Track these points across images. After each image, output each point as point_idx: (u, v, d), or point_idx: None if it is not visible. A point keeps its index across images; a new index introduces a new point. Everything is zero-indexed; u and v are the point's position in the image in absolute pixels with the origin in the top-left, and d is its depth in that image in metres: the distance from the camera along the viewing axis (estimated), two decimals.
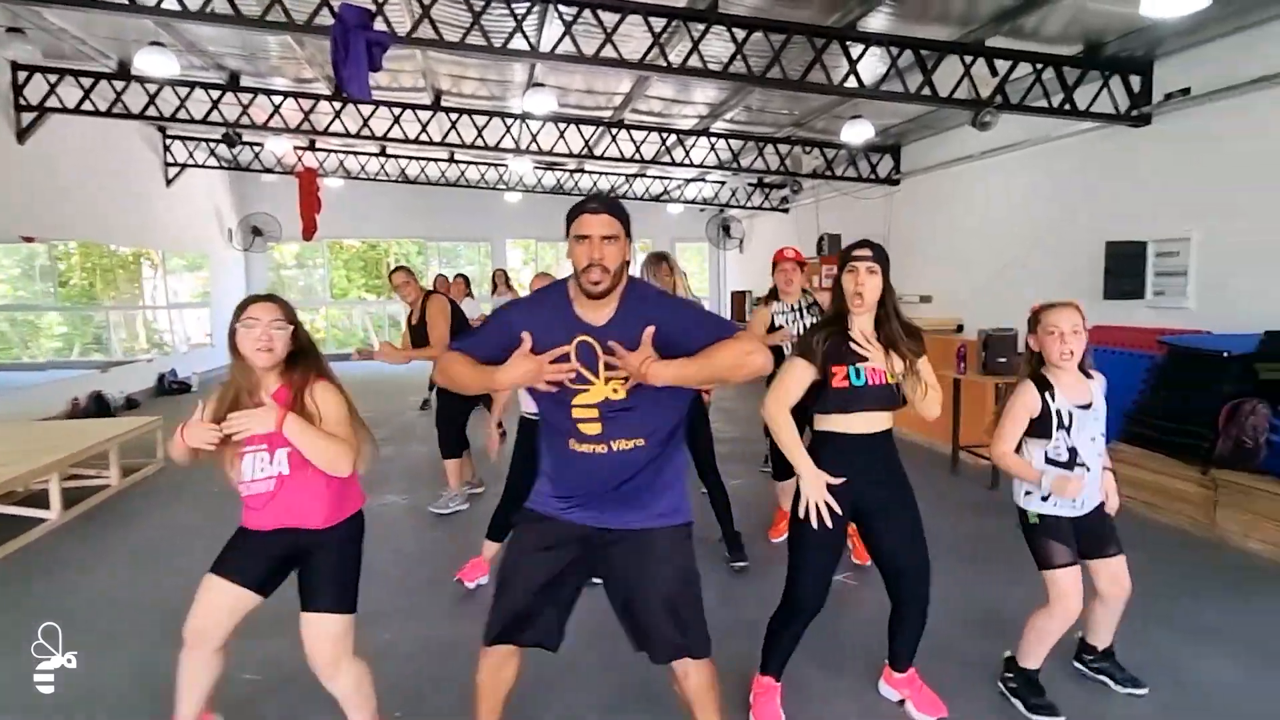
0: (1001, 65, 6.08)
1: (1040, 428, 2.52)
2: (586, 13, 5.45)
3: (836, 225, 11.18)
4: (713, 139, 10.06)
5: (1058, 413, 2.50)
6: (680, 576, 2.02)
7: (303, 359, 2.17)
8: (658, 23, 5.56)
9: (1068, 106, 6.25)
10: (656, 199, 14.21)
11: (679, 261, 13.72)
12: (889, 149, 9.90)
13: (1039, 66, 6.14)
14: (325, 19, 5.04)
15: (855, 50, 5.90)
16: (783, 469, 4.19)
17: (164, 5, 4.91)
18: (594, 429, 1.97)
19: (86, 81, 8.01)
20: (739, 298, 15.10)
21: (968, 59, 5.99)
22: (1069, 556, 2.53)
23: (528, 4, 5.41)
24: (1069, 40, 6.04)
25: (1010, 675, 2.74)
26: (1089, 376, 2.58)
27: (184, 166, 11.33)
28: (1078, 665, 2.96)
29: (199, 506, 5.02)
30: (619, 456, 1.98)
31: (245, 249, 13.60)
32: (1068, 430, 2.51)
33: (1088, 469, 2.52)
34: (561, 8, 5.40)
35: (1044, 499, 2.56)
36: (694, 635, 2.00)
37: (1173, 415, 4.88)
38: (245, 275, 14.34)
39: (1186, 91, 5.85)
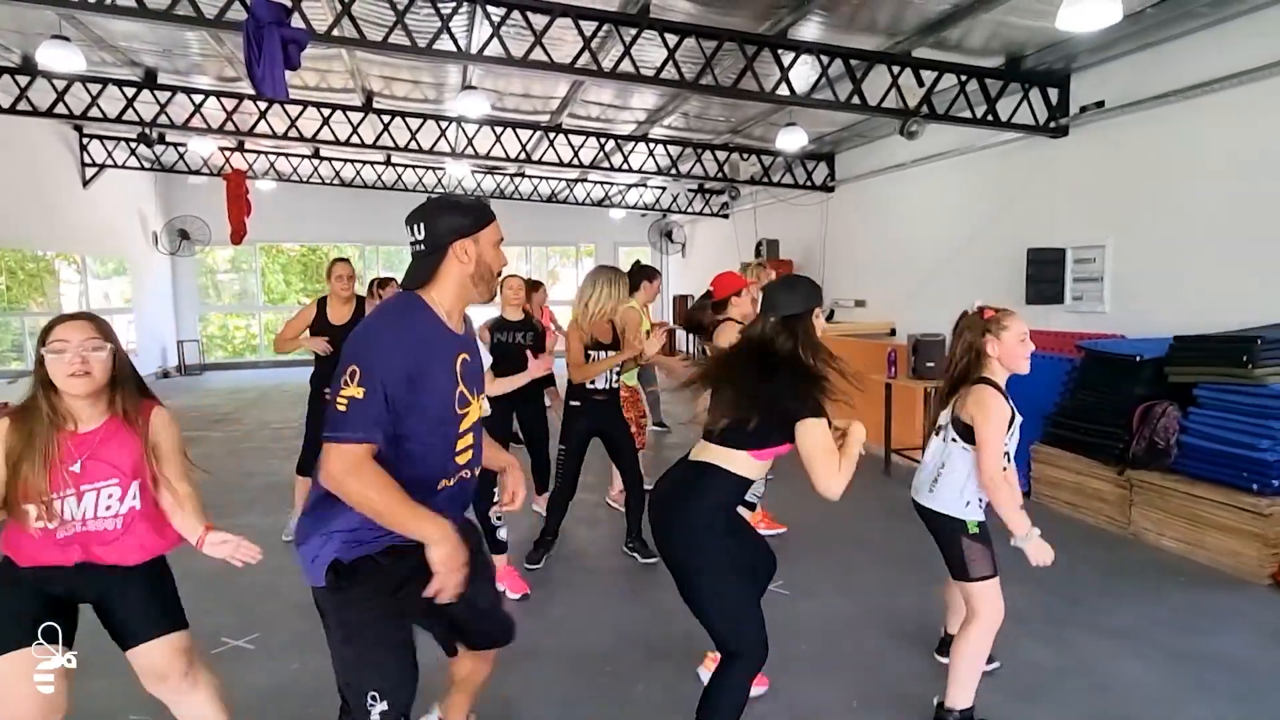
0: (928, 76, 6.15)
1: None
2: (515, 14, 5.26)
3: (775, 231, 11.22)
4: (651, 145, 9.96)
5: (1012, 418, 2.44)
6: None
7: (124, 384, 1.93)
8: (588, 26, 5.42)
9: (990, 117, 6.34)
10: (599, 204, 14.08)
11: (620, 264, 13.68)
12: (824, 156, 9.97)
13: (963, 78, 6.22)
14: (238, 14, 4.75)
15: (786, 58, 5.87)
16: None
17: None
18: (466, 456, 1.80)
19: None
20: (681, 301, 15.06)
21: (895, 69, 6.02)
22: (995, 567, 2.47)
23: (454, 4, 5.21)
24: (991, 53, 6.14)
25: None
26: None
27: (102, 167, 10.68)
28: (941, 658, 2.93)
29: None
30: (469, 485, 1.86)
31: (172, 253, 12.95)
32: (1012, 435, 2.46)
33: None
34: (490, 8, 5.21)
35: (979, 506, 2.50)
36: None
37: (1090, 417, 4.97)
38: (172, 280, 13.67)
39: (1101, 104, 6.00)
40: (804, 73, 6.29)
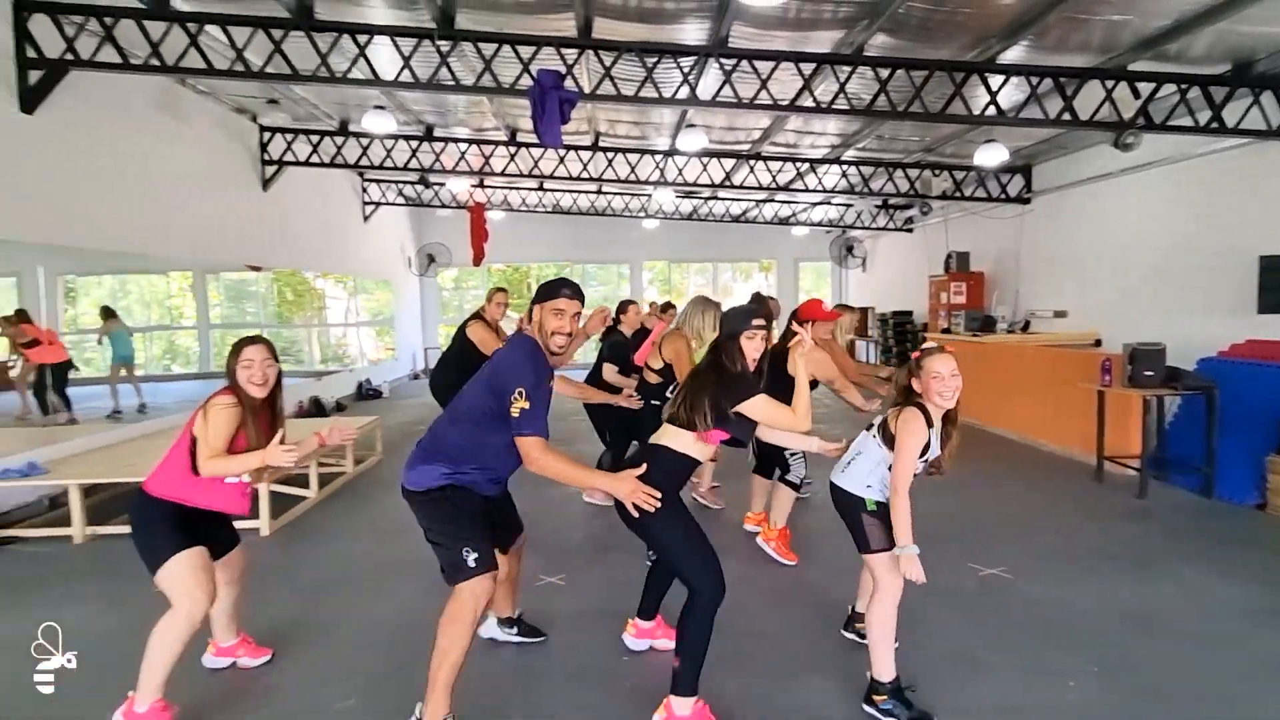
0: (1145, 87, 5.98)
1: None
2: (744, 62, 5.86)
3: (965, 244, 11.01)
4: (844, 166, 10.21)
5: (928, 444, 2.62)
6: None
7: (277, 391, 2.78)
8: (807, 67, 5.89)
9: (1215, 125, 6.04)
10: (783, 222, 14.43)
11: (800, 279, 13.97)
12: (1020, 169, 9.71)
13: (1184, 87, 5.98)
14: (519, 81, 5.72)
15: (995, 81, 5.99)
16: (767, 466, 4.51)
17: (402, 79, 5.74)
18: None
19: (314, 139, 9.24)
20: (861, 314, 15.02)
21: (1109, 83, 5.94)
22: (890, 540, 2.65)
23: (692, 59, 5.89)
24: (1215, 60, 5.88)
25: (879, 697, 2.65)
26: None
27: (378, 205, 12.68)
28: (847, 633, 3.19)
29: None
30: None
31: (421, 274, 14.95)
32: (925, 459, 2.64)
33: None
34: (722, 60, 5.84)
35: (878, 491, 2.71)
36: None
37: None
38: (420, 297, 15.70)
39: None
40: (1009, 92, 6.36)
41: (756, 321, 2.61)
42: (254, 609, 3.36)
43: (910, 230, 13.42)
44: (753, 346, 2.61)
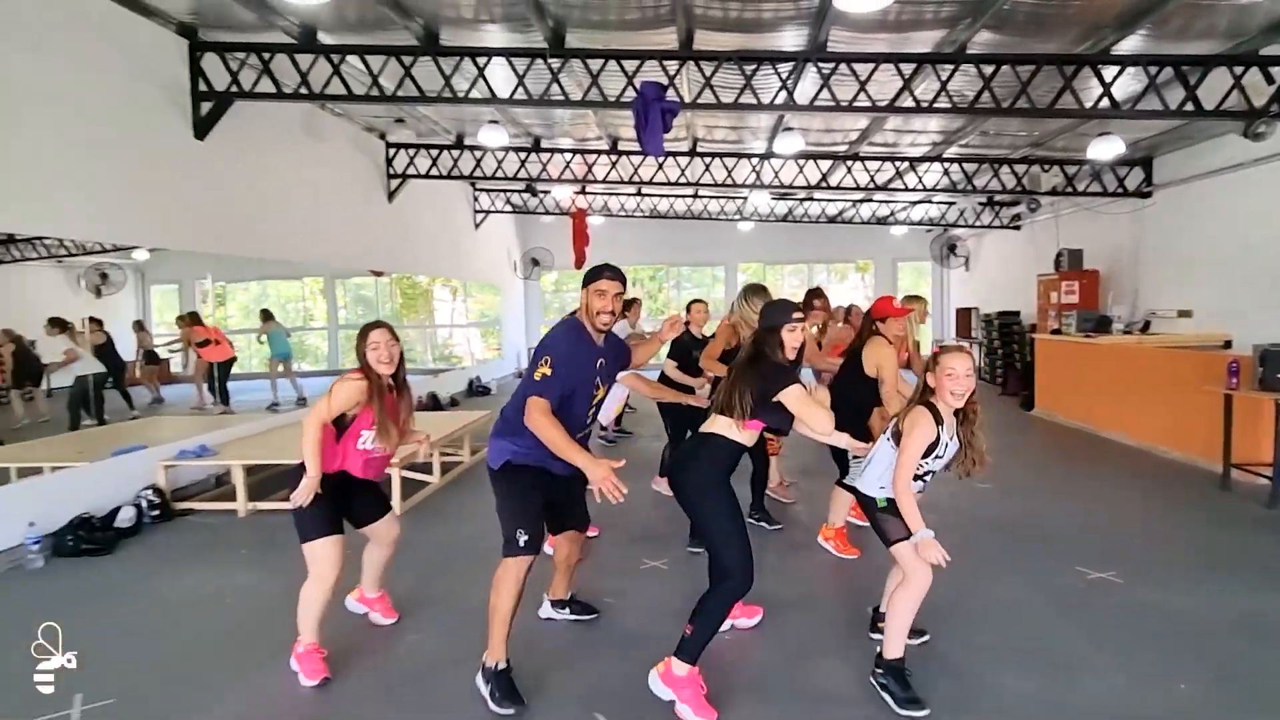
0: (1279, 72, 5.59)
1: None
2: (842, 66, 5.90)
3: (1077, 240, 10.45)
4: (945, 164, 9.95)
5: (937, 442, 2.61)
6: None
7: (401, 367, 3.07)
8: (907, 68, 5.86)
9: None
10: (881, 221, 14.13)
11: (898, 279, 13.78)
12: (1139, 161, 9.16)
13: None
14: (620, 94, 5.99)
15: (1109, 73, 5.76)
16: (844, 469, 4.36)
17: (516, 96, 6.14)
18: (590, 415, 2.91)
19: (434, 153, 9.90)
20: (964, 314, 14.48)
21: (1238, 69, 5.59)
22: (906, 532, 2.63)
23: (790, 64, 5.98)
24: None
25: (879, 670, 2.75)
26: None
27: (487, 213, 13.38)
28: (874, 635, 3.10)
29: None
30: (589, 435, 3.01)
31: (525, 277, 15.61)
32: (939, 457, 2.65)
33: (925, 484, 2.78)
34: (820, 64, 5.90)
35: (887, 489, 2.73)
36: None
37: None
38: (524, 299, 16.38)
39: None
40: (1125, 83, 6.08)
41: (796, 315, 2.71)
42: (395, 580, 3.76)
43: (1018, 228, 12.85)
44: (793, 338, 2.71)
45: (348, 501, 3.11)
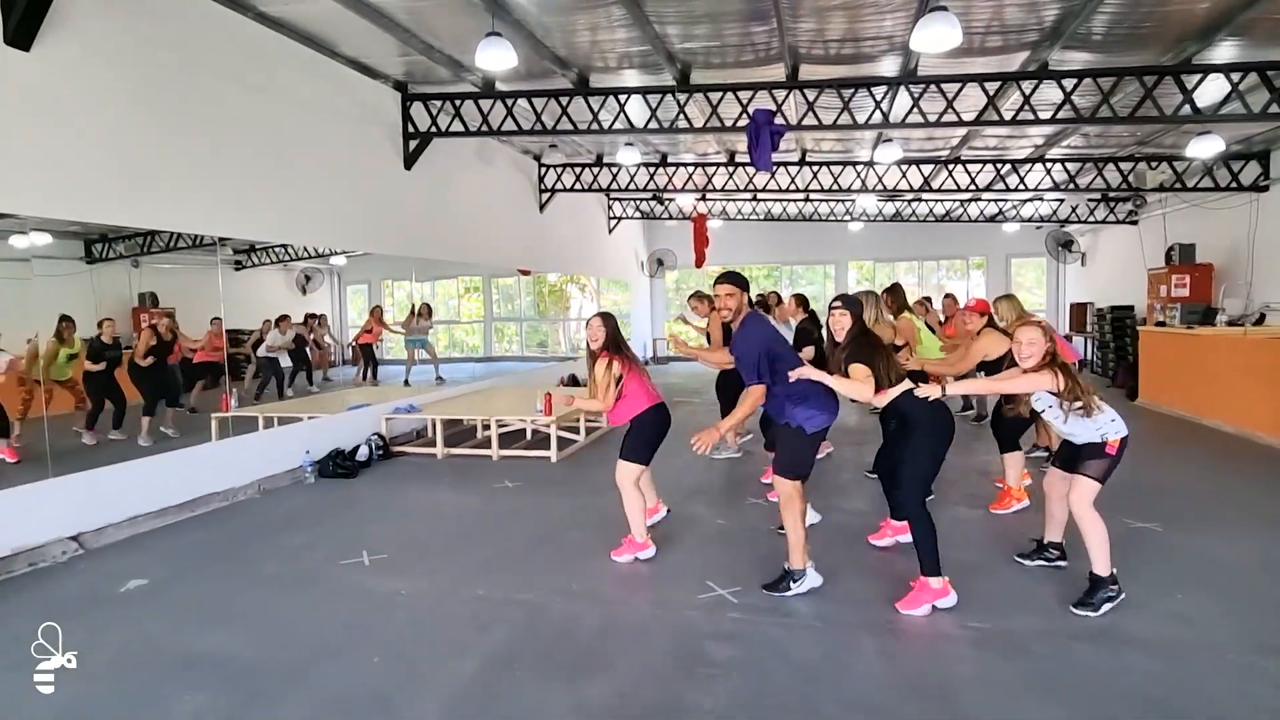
0: None
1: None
2: (932, 86, 6.46)
3: (1189, 235, 10.15)
4: (1048, 165, 10.01)
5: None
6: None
7: (608, 343, 3.80)
8: (991, 86, 6.34)
9: None
10: (992, 219, 14.04)
11: (1012, 275, 13.86)
12: (1255, 155, 8.87)
13: None
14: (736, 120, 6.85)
15: (1190, 81, 5.97)
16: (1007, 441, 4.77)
17: (650, 126, 7.16)
18: None
19: (577, 170, 11.18)
20: (1078, 310, 14.10)
21: None
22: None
23: (884, 88, 6.62)
24: None
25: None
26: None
27: (619, 219, 14.61)
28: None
29: None
30: None
31: (651, 276, 16.76)
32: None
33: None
34: (911, 86, 6.50)
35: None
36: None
37: None
38: (649, 295, 17.54)
39: None
40: (1212, 88, 6.22)
41: (835, 303, 3.47)
42: (557, 502, 4.90)
43: (1135, 223, 12.44)
44: (832, 321, 3.44)
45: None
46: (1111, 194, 11.52)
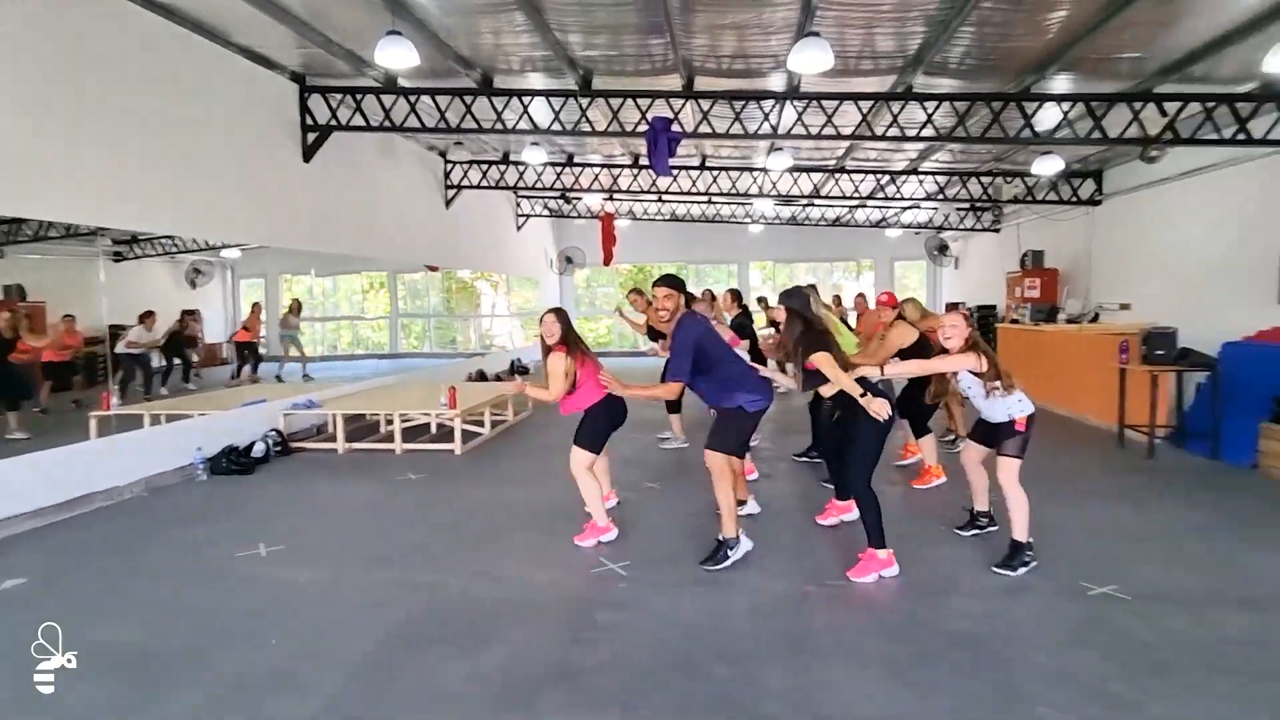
0: (1171, 107, 6.51)
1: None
2: (813, 102, 6.97)
3: (1039, 243, 11.34)
4: (921, 177, 10.90)
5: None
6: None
7: (562, 338, 3.98)
8: (865, 104, 6.91)
9: (1241, 137, 6.45)
10: (877, 225, 15.04)
11: (896, 277, 14.79)
12: (1091, 174, 10.02)
13: (1210, 105, 6.45)
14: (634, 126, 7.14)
15: (1030, 107, 6.73)
16: (919, 426, 5.35)
17: (553, 127, 7.32)
18: None
19: (484, 167, 11.16)
20: (952, 309, 15.31)
21: (1137, 105, 6.52)
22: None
23: (771, 101, 7.07)
24: (1241, 80, 6.31)
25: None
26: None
27: (528, 217, 14.63)
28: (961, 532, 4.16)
29: (551, 433, 7.37)
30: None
31: (560, 273, 16.86)
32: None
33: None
34: (795, 102, 6.98)
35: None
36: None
37: None
38: (559, 292, 17.63)
39: None
40: (1051, 115, 7.03)
41: (781, 300, 3.85)
42: (461, 493, 5.01)
43: (997, 231, 13.69)
44: (776, 315, 3.84)
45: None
46: (976, 204, 12.65)
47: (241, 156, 6.56)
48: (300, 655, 2.85)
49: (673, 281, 3.88)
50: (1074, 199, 10.15)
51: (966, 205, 13.33)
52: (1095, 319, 9.85)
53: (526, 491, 5.25)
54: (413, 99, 7.25)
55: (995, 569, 3.63)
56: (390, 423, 7.00)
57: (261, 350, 8.02)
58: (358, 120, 7.38)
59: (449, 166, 11.06)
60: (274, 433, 6.61)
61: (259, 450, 6.27)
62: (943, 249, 15.95)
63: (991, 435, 3.78)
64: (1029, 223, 11.85)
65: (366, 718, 2.44)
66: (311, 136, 7.40)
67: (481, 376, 11.85)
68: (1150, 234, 8.90)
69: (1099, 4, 5.01)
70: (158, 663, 2.79)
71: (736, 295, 7.42)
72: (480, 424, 7.49)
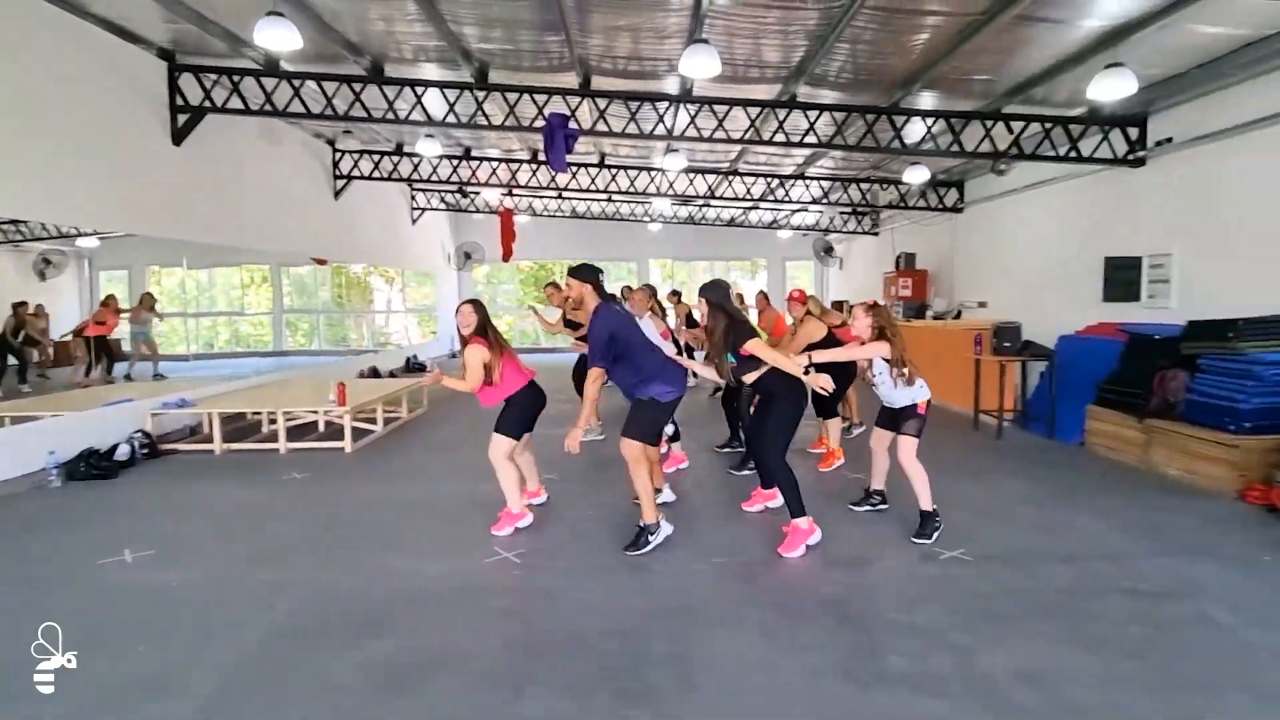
0: (1017, 126, 7.25)
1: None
2: (705, 106, 7.23)
3: (912, 246, 12.27)
4: (808, 181, 11.52)
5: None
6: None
7: (479, 329, 4.01)
8: (753, 110, 7.25)
9: (1073, 154, 7.28)
10: (769, 226, 15.71)
11: (788, 277, 15.43)
12: (954, 184, 10.94)
13: (1048, 125, 7.24)
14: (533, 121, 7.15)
15: (899, 120, 7.30)
16: (828, 409, 5.77)
17: (448, 120, 7.19)
18: None
19: (376, 158, 10.77)
20: (838, 305, 16.25)
21: (989, 123, 7.22)
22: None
23: (666, 103, 7.27)
24: (1074, 105, 7.11)
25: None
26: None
27: (423, 210, 14.22)
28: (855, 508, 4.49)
29: (447, 429, 7.27)
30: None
31: (459, 269, 16.49)
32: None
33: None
34: (688, 105, 7.22)
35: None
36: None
37: (1125, 383, 5.96)
38: (458, 288, 17.22)
39: (1169, 140, 6.77)
40: (917, 129, 7.65)
41: (701, 295, 3.94)
42: (350, 491, 4.87)
43: (876, 234, 14.66)
44: (701, 308, 3.93)
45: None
46: (857, 209, 13.50)
47: (98, 136, 6.04)
48: (174, 660, 2.71)
49: (579, 272, 3.99)
50: (940, 206, 11.05)
51: (849, 210, 14.19)
52: (958, 316, 10.78)
53: (421, 486, 5.17)
54: (297, 83, 6.91)
55: (914, 539, 3.99)
56: (274, 421, 6.65)
57: (126, 348, 7.39)
58: (235, 103, 6.95)
59: (338, 156, 10.59)
60: (140, 434, 6.13)
61: (123, 453, 5.80)
62: (828, 250, 16.88)
63: (895, 420, 4.15)
64: (902, 227, 12.79)
65: (247, 715, 2.37)
66: (183, 118, 6.91)
67: (375, 374, 11.43)
68: (1001, 239, 9.85)
69: (956, 29, 5.52)
70: (14, 675, 2.58)
71: (652, 291, 7.55)
72: (373, 421, 7.26)
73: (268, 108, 6.97)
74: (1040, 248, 8.85)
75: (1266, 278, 5.71)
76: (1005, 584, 3.42)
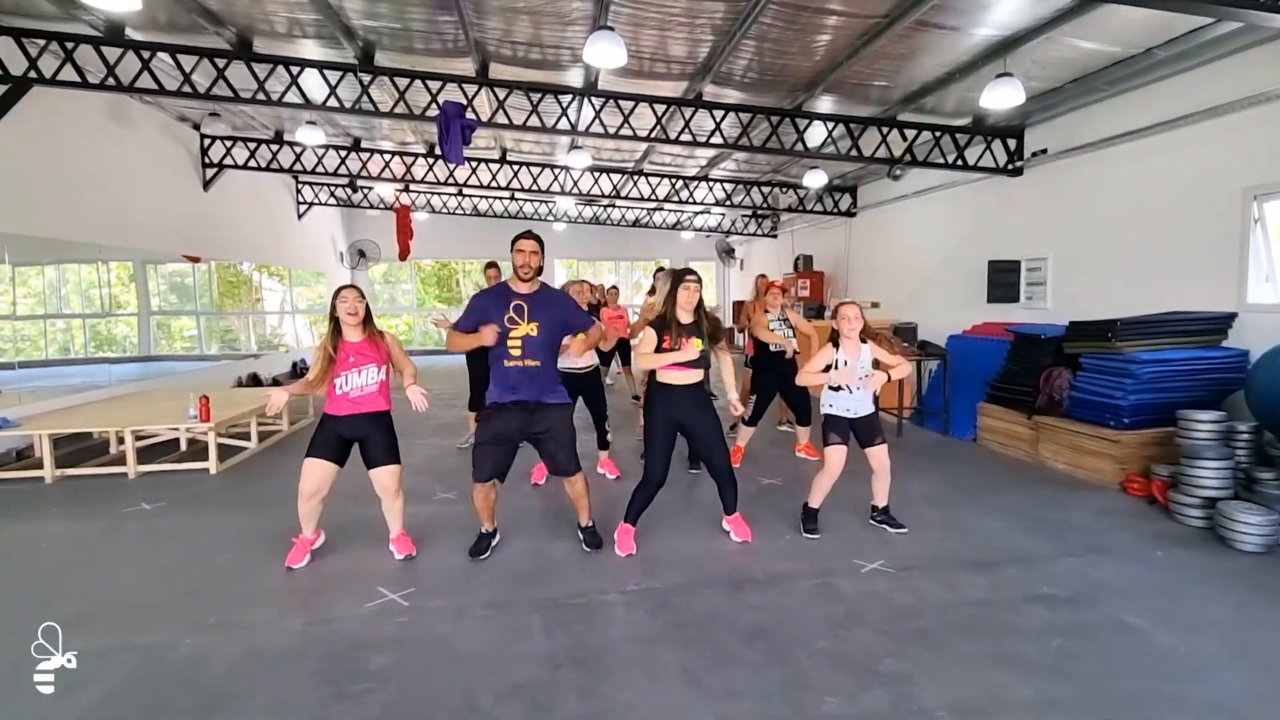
0: (910, 133, 7.31)
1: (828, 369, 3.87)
2: (610, 101, 6.82)
3: (810, 248, 12.41)
4: (711, 183, 11.36)
5: (836, 362, 3.84)
6: (570, 428, 3.52)
7: (370, 321, 3.47)
8: (660, 108, 6.91)
9: (960, 162, 7.44)
10: (672, 227, 15.53)
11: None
12: (848, 189, 11.11)
13: (938, 134, 7.35)
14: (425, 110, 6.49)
15: (803, 124, 7.18)
16: (753, 417, 5.60)
17: (329, 104, 6.39)
18: (517, 351, 3.40)
19: (252, 146, 9.62)
20: (738, 305, 16.33)
21: (885, 130, 7.23)
22: (839, 440, 3.88)
23: (569, 96, 6.80)
24: (960, 115, 7.25)
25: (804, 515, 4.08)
26: (863, 343, 3.89)
27: (311, 205, 12.98)
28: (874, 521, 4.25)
29: None
30: (533, 373, 3.43)
31: (352, 267, 15.26)
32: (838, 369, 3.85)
33: (851, 392, 3.87)
34: (593, 99, 6.78)
35: (831, 405, 3.90)
36: (573, 462, 3.53)
37: (1014, 380, 6.08)
38: None
39: (1045, 151, 7.02)
40: (819, 133, 7.58)
41: (690, 277, 3.60)
42: (208, 522, 4.10)
43: (775, 236, 14.79)
44: (685, 296, 3.55)
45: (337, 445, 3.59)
46: (758, 211, 13.54)
47: None
48: None
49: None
50: (835, 210, 11.19)
51: (749, 212, 14.23)
52: None
53: (295, 513, 4.45)
54: (146, 55, 5.90)
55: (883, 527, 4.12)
56: (123, 441, 5.66)
57: None
58: (69, 74, 5.85)
59: (206, 142, 9.37)
60: None
61: None
62: (730, 252, 16.94)
63: (868, 430, 3.96)
64: (801, 230, 12.92)
65: None
66: (1, 89, 5.75)
67: (255, 381, 10.27)
68: (894, 242, 10.06)
69: (858, 31, 5.39)
70: None
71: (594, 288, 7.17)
72: (246, 436, 6.36)
73: (110, 82, 5.91)
74: (929, 251, 9.07)
75: (1132, 281, 5.99)
76: (926, 597, 3.22)
